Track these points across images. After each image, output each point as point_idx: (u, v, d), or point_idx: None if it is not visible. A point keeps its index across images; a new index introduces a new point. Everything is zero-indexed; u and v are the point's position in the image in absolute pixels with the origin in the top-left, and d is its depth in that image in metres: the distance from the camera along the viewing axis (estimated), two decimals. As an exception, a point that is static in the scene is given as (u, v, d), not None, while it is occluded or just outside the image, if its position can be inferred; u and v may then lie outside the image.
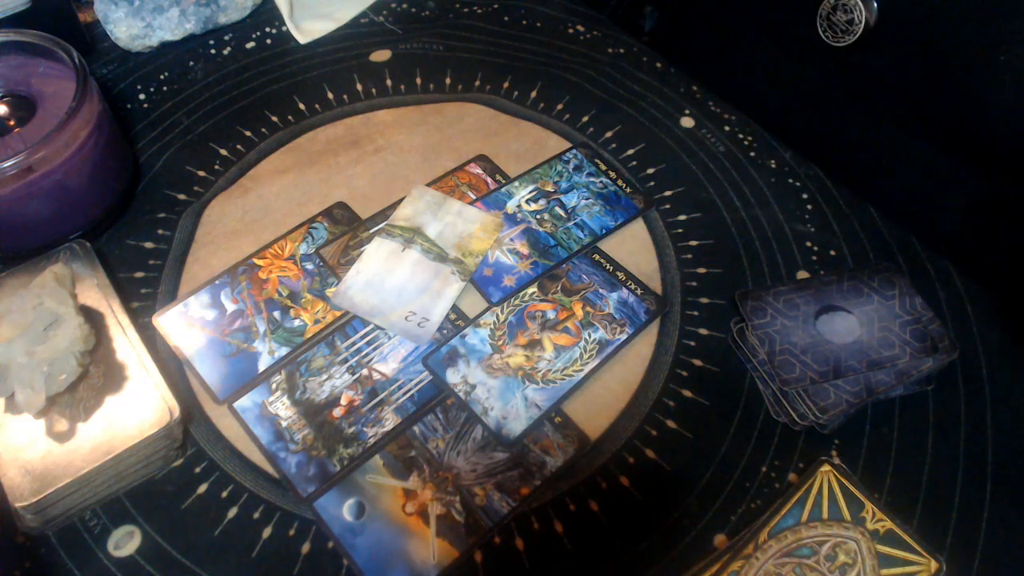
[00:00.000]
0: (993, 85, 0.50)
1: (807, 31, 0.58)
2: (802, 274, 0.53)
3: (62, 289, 0.42)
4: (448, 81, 0.63)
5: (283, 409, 0.45)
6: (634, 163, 0.59)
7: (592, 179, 0.57)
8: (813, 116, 0.61)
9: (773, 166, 0.59)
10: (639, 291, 0.51)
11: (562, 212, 0.55)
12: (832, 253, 0.54)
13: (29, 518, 0.39)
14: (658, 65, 0.66)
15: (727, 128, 0.61)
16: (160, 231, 0.53)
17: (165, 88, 0.62)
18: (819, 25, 0.57)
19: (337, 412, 0.45)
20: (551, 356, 0.47)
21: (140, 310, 0.49)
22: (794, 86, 0.63)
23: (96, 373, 0.42)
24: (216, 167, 0.57)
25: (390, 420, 0.45)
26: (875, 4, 0.54)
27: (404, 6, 0.70)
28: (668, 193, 0.57)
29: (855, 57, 0.57)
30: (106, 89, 0.61)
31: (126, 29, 0.62)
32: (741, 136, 0.61)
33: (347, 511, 0.42)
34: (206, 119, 0.60)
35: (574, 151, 0.59)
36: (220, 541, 0.41)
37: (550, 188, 0.56)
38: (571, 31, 0.69)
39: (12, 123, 0.49)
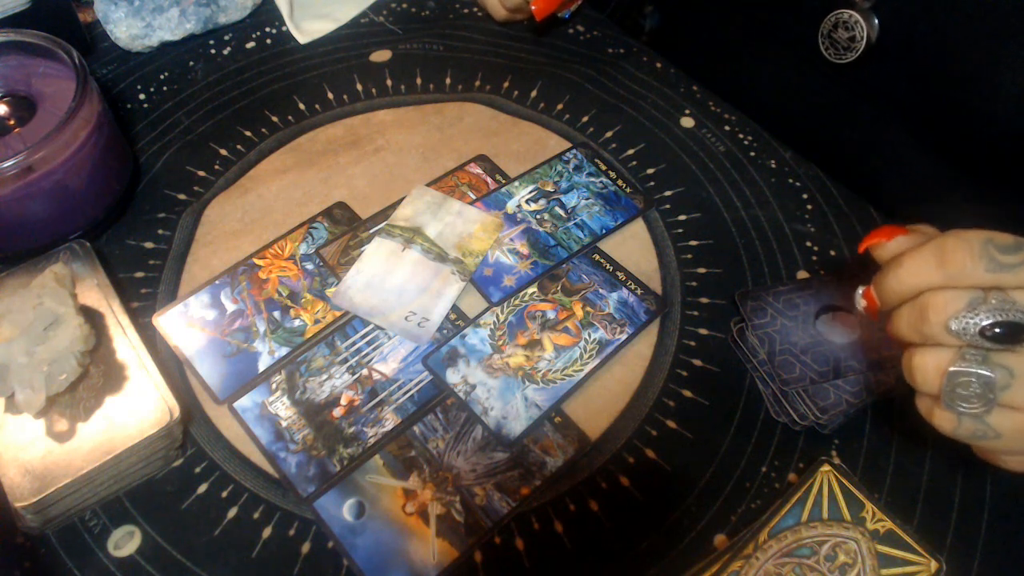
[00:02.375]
0: (993, 102, 0.50)
1: (808, 47, 0.58)
2: (802, 274, 0.53)
3: (62, 289, 0.42)
4: (448, 81, 0.63)
5: (283, 409, 0.45)
6: (634, 163, 0.59)
7: (592, 179, 0.57)
8: (813, 120, 0.61)
9: (773, 166, 0.59)
10: (639, 291, 0.51)
11: (562, 212, 0.55)
12: (832, 253, 0.54)
13: (29, 518, 0.39)
14: (658, 65, 0.66)
15: (727, 128, 0.61)
16: (160, 231, 0.53)
17: (165, 88, 0.62)
18: (820, 42, 0.57)
19: (337, 412, 0.45)
20: (551, 356, 0.47)
21: (140, 310, 0.49)
22: (794, 93, 0.63)
23: (96, 373, 0.42)
24: (216, 167, 0.57)
25: (390, 420, 0.45)
26: (876, 21, 0.54)
27: (404, 6, 0.70)
28: (668, 193, 0.57)
29: (856, 73, 0.57)
30: (106, 89, 0.61)
31: (126, 29, 0.62)
32: (741, 136, 0.61)
33: (347, 511, 0.42)
34: (206, 119, 0.60)
35: (574, 151, 0.59)
36: (220, 541, 0.41)
37: (550, 188, 0.56)
38: (571, 31, 0.69)
39: (12, 123, 0.49)
